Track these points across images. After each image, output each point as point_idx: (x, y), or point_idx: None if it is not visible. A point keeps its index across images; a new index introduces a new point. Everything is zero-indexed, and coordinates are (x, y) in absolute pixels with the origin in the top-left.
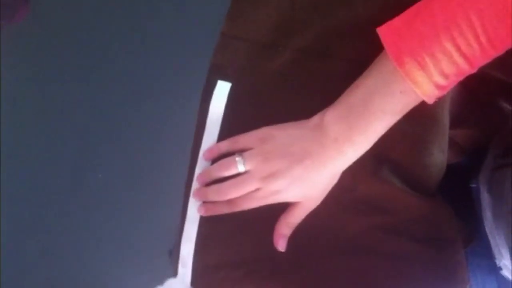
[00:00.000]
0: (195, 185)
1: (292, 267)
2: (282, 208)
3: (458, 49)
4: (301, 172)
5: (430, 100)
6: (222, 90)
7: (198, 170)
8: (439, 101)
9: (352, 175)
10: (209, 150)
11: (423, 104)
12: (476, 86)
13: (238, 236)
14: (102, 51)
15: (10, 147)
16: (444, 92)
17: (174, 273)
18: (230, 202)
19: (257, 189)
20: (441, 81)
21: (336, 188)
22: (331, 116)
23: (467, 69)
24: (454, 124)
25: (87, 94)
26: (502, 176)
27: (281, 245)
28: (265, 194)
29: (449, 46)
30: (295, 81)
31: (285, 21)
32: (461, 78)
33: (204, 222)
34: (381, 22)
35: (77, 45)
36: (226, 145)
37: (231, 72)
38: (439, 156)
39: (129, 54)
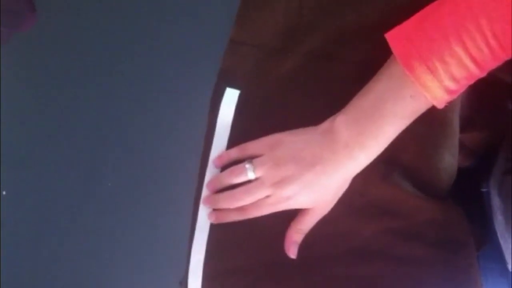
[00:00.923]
0: (205, 192)
1: (303, 272)
2: (292, 213)
3: (468, 53)
4: (312, 178)
5: (440, 105)
6: (231, 97)
7: (208, 177)
8: (450, 105)
9: (363, 180)
10: (219, 157)
11: (433, 107)
12: (485, 89)
13: (248, 242)
14: (110, 58)
15: (15, 155)
16: (454, 96)
17: (184, 280)
18: (240, 209)
19: (268, 196)
20: (451, 85)
21: (347, 192)
22: (341, 121)
23: (477, 73)
24: (463, 127)
25: (95, 102)
26: (510, 179)
27: (292, 251)
28: (276, 200)
29: (458, 50)
30: (304, 86)
31: (292, 26)
32: (471, 82)
33: (214, 229)
34: (389, 24)
35: (84, 51)
36: (235, 152)
37: (239, 78)
38: (449, 159)
39: (137, 62)
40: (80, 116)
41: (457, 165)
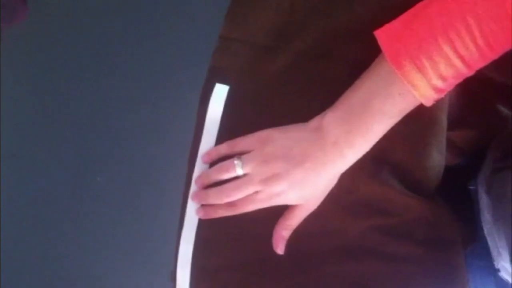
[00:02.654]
0: (193, 188)
1: (293, 270)
2: (281, 210)
3: (456, 51)
4: (301, 175)
5: (428, 103)
6: (220, 93)
7: (196, 173)
8: (438, 103)
9: (352, 178)
10: (208, 153)
11: (421, 106)
12: (475, 89)
13: (237, 239)
14: (101, 53)
15: (8, 150)
16: (442, 95)
17: (172, 275)
18: (229, 204)
19: (257, 192)
20: (439, 83)
21: (336, 190)
22: (330, 119)
23: (465, 72)
24: (453, 126)
25: (85, 97)
26: (502, 178)
27: (280, 247)
28: (265, 196)
29: (447, 48)
30: (294, 84)
31: (284, 23)
32: (459, 80)
33: (203, 225)
34: (381, 23)
35: (75, 46)
36: (225, 148)
37: (230, 75)
38: (437, 158)
39: (128, 57)
40: (71, 112)
41: (444, 163)
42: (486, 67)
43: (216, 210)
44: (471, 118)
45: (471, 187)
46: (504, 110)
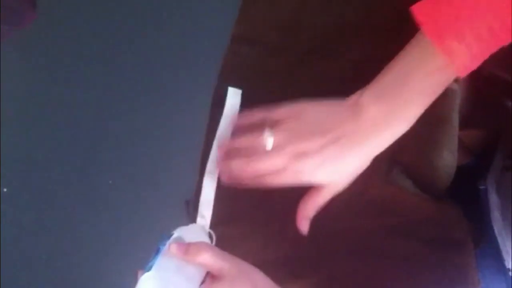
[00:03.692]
0: (208, 180)
1: (303, 269)
2: (297, 207)
3: (498, 20)
4: (335, 152)
5: (464, 74)
6: (234, 96)
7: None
8: (449, 102)
9: (363, 178)
10: (243, 116)
11: (433, 105)
12: (484, 87)
13: (249, 239)
14: (111, 56)
15: (16, 152)
16: (478, 64)
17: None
18: (254, 176)
19: (284, 167)
20: (478, 53)
21: (346, 190)
22: (368, 98)
23: (505, 38)
24: (461, 125)
25: (96, 99)
26: (510, 176)
27: (304, 227)
28: (293, 173)
29: (486, 17)
30: (304, 82)
31: (293, 23)
32: (497, 48)
33: (216, 225)
34: (387, 24)
35: (84, 50)
36: (258, 115)
37: (240, 74)
38: (449, 158)
39: (138, 60)
40: (81, 114)
41: (456, 163)
42: (493, 65)
43: (239, 178)
44: (479, 117)
45: (481, 187)
46: None
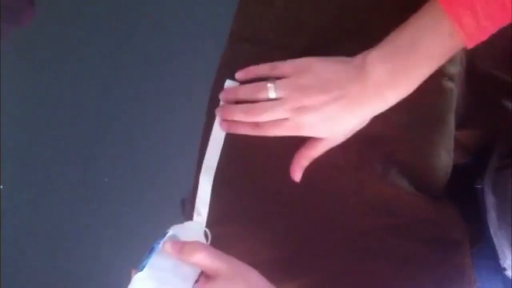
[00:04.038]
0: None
1: (299, 269)
2: (292, 212)
3: None
4: (335, 111)
5: (472, 45)
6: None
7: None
8: (446, 103)
9: (360, 178)
10: (245, 70)
11: (430, 105)
12: (481, 87)
13: (242, 240)
14: (108, 53)
15: (14, 150)
16: (486, 36)
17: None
18: (255, 125)
19: (286, 119)
20: (487, 24)
21: (344, 190)
22: (374, 57)
23: None
24: (459, 125)
25: (94, 98)
26: (506, 176)
27: (297, 175)
28: (293, 125)
29: None
30: None
31: (292, 21)
32: (507, 23)
33: (213, 225)
34: (387, 22)
35: (82, 48)
36: (263, 69)
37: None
38: (445, 157)
39: (137, 56)
40: (79, 112)
41: (452, 163)
42: (491, 65)
43: (239, 126)
44: (477, 117)
45: (478, 186)
46: (509, 106)
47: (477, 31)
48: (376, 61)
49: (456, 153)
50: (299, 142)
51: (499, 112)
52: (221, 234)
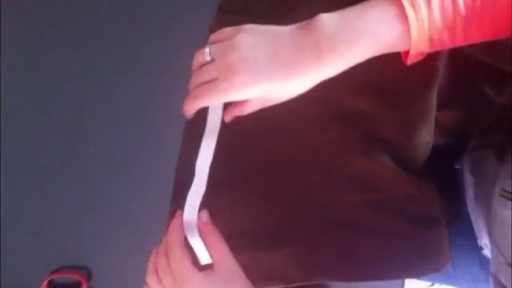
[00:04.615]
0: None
1: (282, 240)
2: (278, 185)
3: None
4: (268, 73)
5: (419, 36)
6: None
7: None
8: (428, 84)
9: (344, 154)
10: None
11: (415, 83)
12: (463, 70)
13: (230, 208)
14: (96, 19)
15: (6, 144)
16: (438, 33)
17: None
18: (198, 93)
19: (216, 79)
20: (438, 21)
21: (327, 165)
22: (321, 18)
23: (464, 15)
24: (440, 106)
25: (78, 65)
26: (481, 156)
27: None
28: (224, 86)
29: None
30: None
31: (279, 2)
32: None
33: (204, 194)
34: None
35: (71, 12)
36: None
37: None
38: (426, 135)
39: (124, 27)
40: (61, 79)
41: (432, 141)
42: (475, 49)
43: (186, 102)
44: (458, 99)
45: (457, 167)
46: (489, 91)
47: (425, 21)
48: (321, 22)
49: (436, 134)
50: (288, 119)
51: (479, 95)
52: (213, 203)
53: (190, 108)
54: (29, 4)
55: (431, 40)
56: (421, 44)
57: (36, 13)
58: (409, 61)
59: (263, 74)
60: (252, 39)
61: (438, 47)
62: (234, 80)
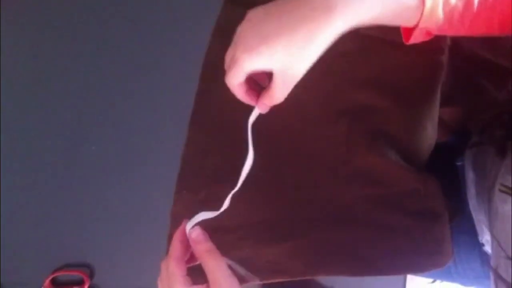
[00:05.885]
0: None
1: (287, 233)
2: (282, 179)
3: None
4: (283, 44)
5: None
6: None
7: None
8: (435, 73)
9: (349, 148)
10: None
11: (422, 79)
12: (464, 66)
13: (234, 201)
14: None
15: (4, 141)
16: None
17: None
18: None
19: (233, 58)
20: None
21: (332, 159)
22: None
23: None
24: (443, 103)
25: (79, 63)
26: (482, 151)
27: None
28: (239, 61)
29: None
30: None
31: None
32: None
33: (207, 186)
34: None
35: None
36: None
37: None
38: (431, 131)
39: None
40: (63, 76)
41: (436, 136)
42: (476, 45)
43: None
44: (458, 95)
45: (459, 163)
46: (489, 87)
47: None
48: None
49: (438, 130)
50: (295, 113)
51: (480, 91)
52: (216, 196)
53: (232, 88)
54: (29, 4)
55: (441, 19)
56: (431, 19)
57: (36, 13)
58: (412, 40)
59: (275, 35)
60: (263, 10)
61: (443, 30)
62: (247, 47)
